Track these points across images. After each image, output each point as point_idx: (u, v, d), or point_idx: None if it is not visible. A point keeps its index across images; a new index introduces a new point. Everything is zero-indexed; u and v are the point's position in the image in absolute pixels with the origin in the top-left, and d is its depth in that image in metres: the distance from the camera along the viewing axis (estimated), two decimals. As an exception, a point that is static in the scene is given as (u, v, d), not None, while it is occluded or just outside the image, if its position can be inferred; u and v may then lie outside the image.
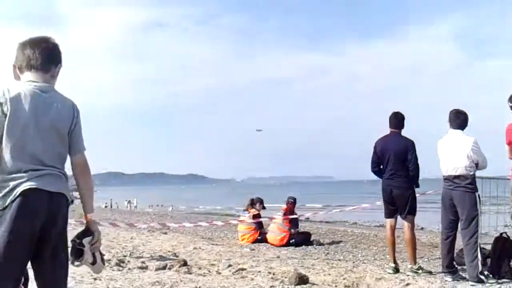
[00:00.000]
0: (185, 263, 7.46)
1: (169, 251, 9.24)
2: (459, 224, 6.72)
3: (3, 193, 2.84)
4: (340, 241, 12.01)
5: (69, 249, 3.17)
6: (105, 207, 58.84)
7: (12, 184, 2.84)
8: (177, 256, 8.51)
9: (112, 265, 7.04)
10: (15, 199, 2.81)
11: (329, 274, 7.04)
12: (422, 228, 20.48)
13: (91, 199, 3.23)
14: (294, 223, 11.42)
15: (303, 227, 17.75)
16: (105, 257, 7.57)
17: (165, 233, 13.30)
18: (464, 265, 6.72)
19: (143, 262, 7.58)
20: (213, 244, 10.72)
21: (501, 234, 7.20)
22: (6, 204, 2.82)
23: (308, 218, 30.18)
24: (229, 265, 7.56)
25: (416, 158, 7.43)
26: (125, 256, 8.08)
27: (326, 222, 28.11)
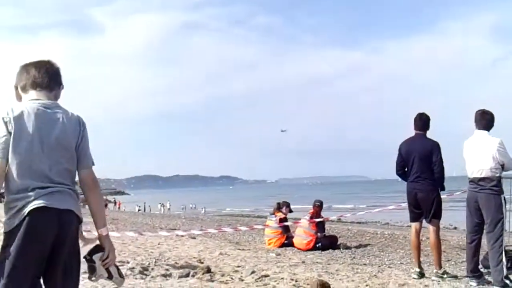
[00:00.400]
0: (208, 270, 7.46)
1: (194, 257, 9.26)
2: (484, 227, 6.59)
3: (11, 213, 2.85)
4: (368, 244, 11.89)
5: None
6: (138, 210, 59.65)
7: (20, 203, 2.84)
8: (202, 263, 8.52)
9: (136, 273, 7.08)
10: (23, 219, 2.81)
11: (353, 280, 6.97)
12: (455, 228, 20.16)
13: (101, 215, 3.20)
14: (320, 226, 11.35)
15: (333, 228, 17.71)
16: (130, 265, 7.70)
17: (194, 237, 13.36)
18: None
19: (167, 270, 7.60)
20: (239, 249, 10.72)
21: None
22: (15, 224, 2.82)
23: (339, 219, 30.13)
24: (253, 272, 7.54)
25: (441, 160, 7.28)
26: (149, 263, 8.12)
27: (358, 223, 27.87)
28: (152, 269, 7.63)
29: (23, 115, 2.92)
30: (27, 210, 2.82)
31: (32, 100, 3.05)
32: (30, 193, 2.85)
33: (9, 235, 2.83)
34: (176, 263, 8.38)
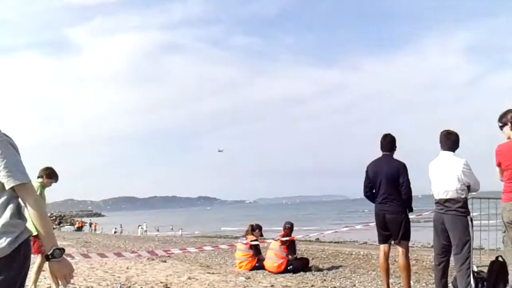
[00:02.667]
0: (173, 296, 7.27)
1: (161, 282, 9.06)
2: (452, 249, 6.51)
3: None
4: (340, 266, 11.74)
5: None
6: (114, 233, 59.01)
7: None
8: (168, 288, 8.31)
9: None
10: None
11: (320, 304, 6.83)
12: (432, 246, 20.12)
13: None
14: (291, 248, 11.19)
15: (309, 249, 17.57)
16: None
17: (164, 261, 13.12)
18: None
19: (130, 296, 7.40)
20: (208, 273, 10.50)
21: (497, 257, 6.94)
22: None
23: (318, 239, 30.00)
24: (219, 297, 7.36)
25: (408, 181, 7.24)
26: (113, 289, 7.91)
27: (335, 242, 27.84)
28: (115, 296, 7.43)
29: None
30: None
31: None
32: None
33: None
34: (141, 288, 8.18)
